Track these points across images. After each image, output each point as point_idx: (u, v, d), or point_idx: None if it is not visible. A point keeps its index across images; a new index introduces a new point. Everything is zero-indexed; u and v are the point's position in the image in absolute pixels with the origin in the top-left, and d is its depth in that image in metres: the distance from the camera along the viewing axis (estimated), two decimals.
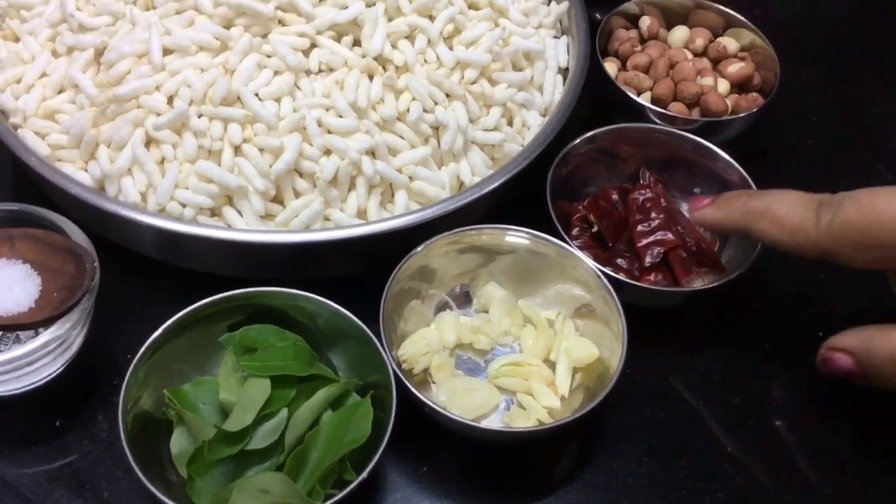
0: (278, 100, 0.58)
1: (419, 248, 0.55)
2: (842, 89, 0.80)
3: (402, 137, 0.59)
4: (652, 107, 0.67)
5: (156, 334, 0.50)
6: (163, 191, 0.55)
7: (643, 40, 0.74)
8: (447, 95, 0.61)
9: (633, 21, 0.74)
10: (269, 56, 0.59)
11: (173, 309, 0.51)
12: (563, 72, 0.68)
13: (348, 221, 0.57)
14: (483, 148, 0.62)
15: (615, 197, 0.63)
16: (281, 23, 0.61)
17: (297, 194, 0.57)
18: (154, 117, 0.56)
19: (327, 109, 0.58)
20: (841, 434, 0.57)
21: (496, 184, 0.58)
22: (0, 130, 0.57)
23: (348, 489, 0.46)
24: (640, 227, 0.61)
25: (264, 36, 0.60)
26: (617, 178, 0.66)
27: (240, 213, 0.57)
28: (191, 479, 0.47)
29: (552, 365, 0.56)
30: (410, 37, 0.62)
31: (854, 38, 0.85)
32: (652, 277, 0.59)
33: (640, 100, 0.68)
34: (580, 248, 0.59)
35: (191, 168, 0.56)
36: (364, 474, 0.46)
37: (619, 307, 0.54)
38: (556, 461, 0.55)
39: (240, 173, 0.56)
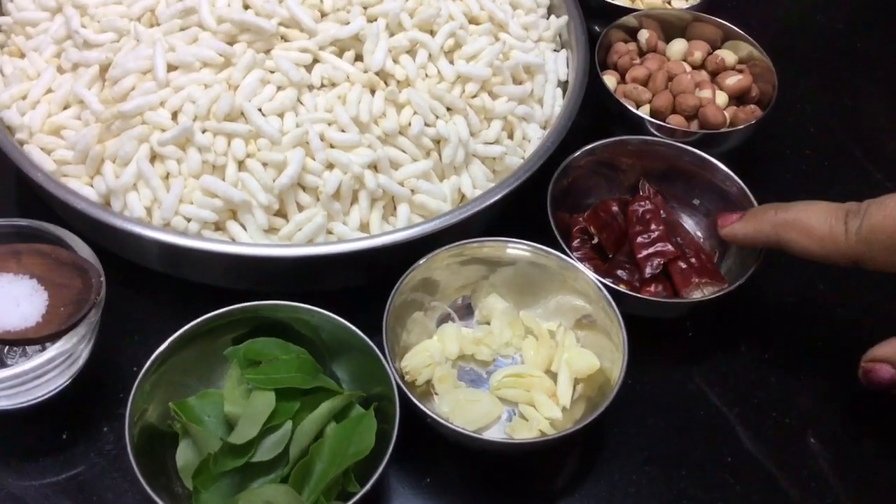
0: (281, 115, 0.59)
1: (421, 261, 0.56)
2: (839, 99, 0.81)
3: (403, 151, 0.60)
4: (651, 119, 0.67)
5: (162, 347, 0.50)
6: (167, 205, 0.56)
7: (642, 53, 0.74)
8: (448, 109, 0.61)
9: (631, 34, 0.75)
10: (272, 72, 0.60)
11: (178, 322, 0.51)
12: (563, 85, 0.69)
13: (351, 235, 0.58)
14: (484, 161, 0.63)
15: (615, 208, 0.64)
16: (284, 39, 0.62)
17: (301, 208, 0.58)
18: (159, 133, 0.57)
19: (330, 124, 0.59)
20: (841, 444, 0.58)
21: (497, 196, 0.59)
22: (6, 146, 0.58)
23: (352, 501, 0.46)
24: (639, 239, 0.62)
25: (267, 52, 0.61)
26: (617, 189, 0.66)
27: (244, 226, 0.57)
28: (196, 491, 0.48)
29: (553, 376, 0.57)
30: (412, 51, 0.63)
31: (850, 48, 0.86)
32: (652, 288, 0.60)
33: (639, 112, 0.68)
34: (581, 259, 0.60)
35: (195, 183, 0.57)
36: (368, 486, 0.46)
37: (620, 318, 0.54)
38: (558, 471, 0.56)
39: (243, 188, 0.57)
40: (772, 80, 0.70)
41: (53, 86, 0.61)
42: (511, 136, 0.65)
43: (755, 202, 0.61)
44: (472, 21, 0.67)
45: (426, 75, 0.63)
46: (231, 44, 0.60)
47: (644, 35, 0.74)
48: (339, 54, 0.62)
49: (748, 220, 0.57)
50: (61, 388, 0.53)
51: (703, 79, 0.71)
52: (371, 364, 0.51)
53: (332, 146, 0.58)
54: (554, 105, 0.67)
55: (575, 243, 0.63)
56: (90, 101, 0.58)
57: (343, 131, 0.58)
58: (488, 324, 0.59)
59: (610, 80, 0.71)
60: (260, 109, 0.58)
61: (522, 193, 0.60)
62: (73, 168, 0.58)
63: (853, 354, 0.61)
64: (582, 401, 0.56)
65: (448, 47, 0.64)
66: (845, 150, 0.76)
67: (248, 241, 0.57)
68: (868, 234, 0.51)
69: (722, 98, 0.70)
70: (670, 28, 0.75)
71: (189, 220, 0.56)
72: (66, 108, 0.61)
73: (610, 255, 0.63)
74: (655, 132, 0.67)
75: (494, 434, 0.55)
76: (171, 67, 0.59)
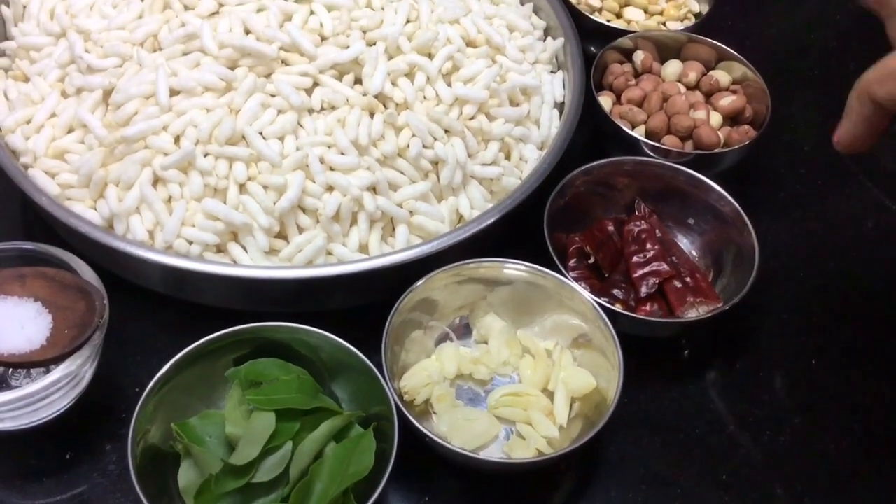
0: (282, 138, 0.60)
1: (420, 282, 0.56)
2: (832, 117, 0.81)
3: (402, 173, 0.61)
4: (646, 140, 0.68)
5: (164, 368, 0.51)
6: (170, 228, 0.57)
7: (637, 74, 0.75)
8: (446, 131, 0.62)
9: (627, 55, 0.76)
10: (272, 95, 0.61)
11: (180, 342, 0.52)
12: (560, 106, 0.70)
13: (350, 256, 0.59)
14: (482, 182, 0.64)
15: (611, 228, 0.65)
16: (284, 63, 0.63)
17: (301, 230, 0.59)
18: (161, 157, 0.58)
19: (329, 147, 0.60)
20: (837, 461, 0.58)
21: (495, 217, 0.60)
22: (11, 170, 0.59)
23: None
24: (635, 258, 0.62)
25: (268, 76, 0.62)
26: (613, 209, 0.67)
27: (245, 249, 0.58)
28: None
29: (550, 395, 0.57)
30: (410, 74, 0.64)
31: (844, 67, 0.87)
32: (648, 307, 0.61)
33: (634, 133, 0.69)
34: (577, 278, 0.61)
35: (197, 206, 0.58)
36: None
37: (615, 338, 0.55)
38: (556, 488, 0.56)
39: (245, 210, 0.58)
40: (766, 100, 0.71)
41: (57, 110, 0.62)
42: (508, 157, 0.65)
43: (748, 222, 0.62)
44: (470, 44, 0.68)
45: (424, 98, 0.64)
46: (232, 68, 0.61)
47: (639, 56, 0.75)
48: (339, 78, 0.63)
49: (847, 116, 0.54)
50: (65, 409, 0.54)
51: (698, 100, 0.72)
52: (370, 384, 0.52)
53: (331, 169, 0.59)
54: (550, 126, 0.68)
55: (571, 262, 0.64)
56: (94, 125, 0.59)
57: (342, 154, 0.59)
58: (486, 343, 0.60)
59: (606, 101, 0.72)
60: (261, 133, 0.59)
61: (520, 214, 0.61)
62: (77, 192, 0.59)
63: (849, 372, 0.62)
64: (579, 419, 0.56)
65: (446, 70, 0.65)
66: (841, 168, 0.77)
67: (249, 263, 0.58)
68: None
69: (716, 119, 0.71)
70: (665, 49, 0.76)
71: (191, 242, 0.57)
72: (69, 132, 0.62)
73: (606, 275, 0.64)
74: (651, 153, 0.68)
75: (492, 452, 0.55)
76: (173, 92, 0.60)
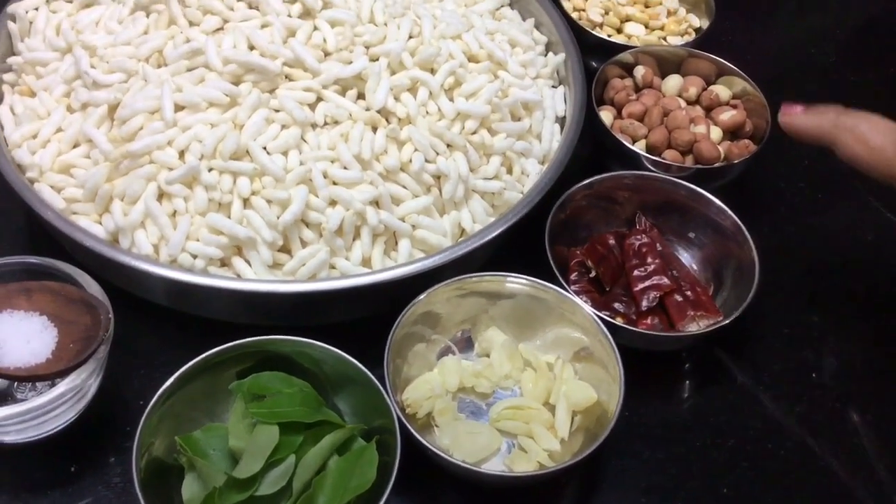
0: (285, 153, 0.60)
1: (422, 296, 0.57)
2: None
3: (404, 187, 0.61)
4: (647, 155, 0.69)
5: (168, 382, 0.51)
6: (174, 243, 0.57)
7: (638, 89, 0.76)
8: (448, 146, 0.63)
9: (628, 70, 0.77)
10: (276, 111, 0.61)
11: (184, 355, 0.52)
12: (561, 120, 0.70)
13: (353, 270, 0.59)
14: (483, 196, 0.64)
15: (612, 242, 0.65)
16: (288, 78, 0.63)
17: (304, 244, 0.59)
18: (166, 172, 0.58)
19: (332, 161, 0.60)
20: (836, 476, 0.58)
21: (497, 231, 0.60)
22: (17, 185, 0.59)
23: None
24: (636, 272, 0.63)
25: (272, 91, 0.62)
26: (614, 223, 0.68)
27: (249, 262, 0.58)
28: None
29: (552, 408, 0.58)
30: (413, 89, 0.64)
31: (844, 81, 0.87)
32: (648, 321, 0.61)
33: (635, 147, 0.70)
34: (578, 292, 0.61)
35: (201, 220, 0.58)
36: None
37: (616, 351, 0.55)
38: (557, 501, 0.57)
39: (248, 225, 0.58)
40: (765, 115, 0.72)
41: (63, 125, 0.63)
42: (510, 172, 0.66)
43: (749, 236, 0.62)
44: (472, 59, 0.68)
45: (427, 113, 0.64)
46: (237, 84, 0.62)
47: (640, 71, 0.76)
48: (342, 93, 0.63)
49: (811, 115, 0.60)
50: (70, 421, 0.54)
51: (698, 114, 0.73)
52: (372, 397, 0.52)
53: (334, 183, 0.60)
54: (552, 140, 0.68)
55: (573, 276, 0.64)
56: (99, 140, 0.60)
57: (345, 168, 0.60)
58: (488, 356, 0.60)
59: (607, 115, 0.73)
60: (265, 148, 0.60)
61: (521, 227, 0.62)
62: (83, 206, 0.60)
63: (848, 387, 0.62)
64: (580, 432, 0.56)
65: (448, 85, 0.65)
66: (841, 181, 0.77)
67: (252, 277, 0.58)
68: None
69: (716, 133, 0.72)
70: (666, 64, 0.77)
71: (195, 256, 0.58)
72: (75, 146, 0.62)
73: (607, 288, 0.64)
74: (651, 167, 0.69)
75: (494, 465, 0.56)
76: (178, 107, 0.61)
